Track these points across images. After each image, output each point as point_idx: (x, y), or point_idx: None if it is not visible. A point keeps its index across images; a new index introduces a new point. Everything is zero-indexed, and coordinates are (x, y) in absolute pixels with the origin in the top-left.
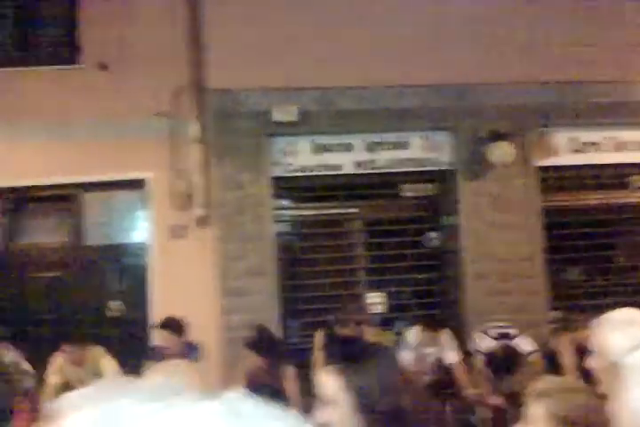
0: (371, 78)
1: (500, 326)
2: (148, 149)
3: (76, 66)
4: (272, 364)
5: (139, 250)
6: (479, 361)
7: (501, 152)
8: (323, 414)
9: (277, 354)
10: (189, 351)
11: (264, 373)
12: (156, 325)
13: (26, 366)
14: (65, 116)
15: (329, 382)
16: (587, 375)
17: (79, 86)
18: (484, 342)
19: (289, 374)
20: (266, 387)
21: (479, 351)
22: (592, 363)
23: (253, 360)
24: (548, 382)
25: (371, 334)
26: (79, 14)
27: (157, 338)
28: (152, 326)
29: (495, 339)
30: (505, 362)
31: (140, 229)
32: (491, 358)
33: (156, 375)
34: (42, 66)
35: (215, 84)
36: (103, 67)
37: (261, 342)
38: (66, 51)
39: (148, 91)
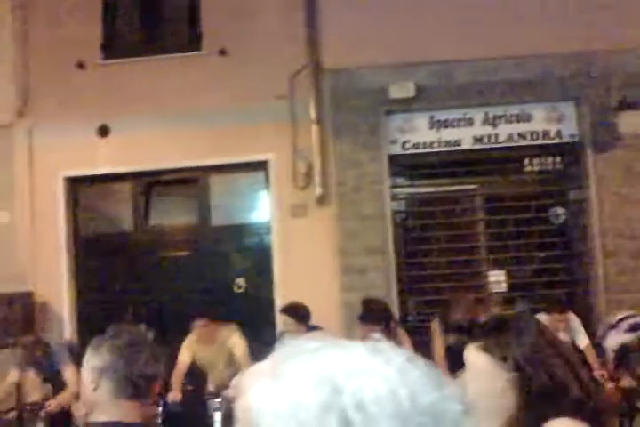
0: (489, 49)
1: (631, 316)
2: (269, 131)
3: (198, 53)
4: (385, 332)
5: (261, 229)
6: (608, 356)
7: (632, 121)
8: (471, 391)
9: (389, 322)
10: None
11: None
12: (280, 310)
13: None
14: (188, 102)
15: (477, 359)
16: None
17: (201, 73)
18: (614, 338)
19: (404, 339)
20: None
21: (609, 348)
22: None
23: (365, 331)
24: None
25: (487, 315)
26: (200, 3)
27: (281, 322)
28: (279, 311)
29: (627, 331)
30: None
31: (263, 209)
32: (623, 351)
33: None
34: (166, 54)
35: (331, 63)
36: (223, 53)
37: (371, 313)
38: (188, 39)
39: (267, 74)
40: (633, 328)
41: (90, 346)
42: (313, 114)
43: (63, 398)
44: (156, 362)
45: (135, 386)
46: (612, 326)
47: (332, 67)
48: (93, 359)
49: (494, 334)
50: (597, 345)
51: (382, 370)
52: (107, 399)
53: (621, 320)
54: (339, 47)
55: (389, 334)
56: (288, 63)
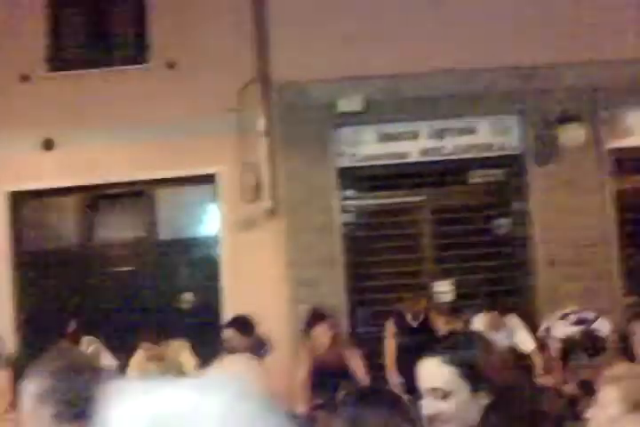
0: (435, 64)
1: (578, 311)
2: (218, 144)
3: (145, 66)
4: (337, 337)
5: (210, 243)
6: (554, 349)
7: (572, 134)
8: (432, 405)
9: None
10: (258, 348)
11: (330, 347)
12: (225, 324)
13: (108, 359)
14: (136, 115)
15: (439, 372)
16: None
17: (149, 85)
18: (561, 329)
19: (351, 351)
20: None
21: (555, 338)
22: None
23: (325, 335)
24: (622, 367)
25: (442, 323)
26: (148, 15)
27: (226, 336)
28: (222, 326)
29: (574, 324)
30: (586, 347)
31: (211, 222)
32: (569, 344)
33: (219, 370)
34: (112, 66)
35: (280, 77)
36: (171, 65)
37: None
38: (135, 51)
39: (216, 87)
40: (579, 322)
41: (29, 372)
42: (262, 127)
43: None
44: (98, 383)
45: (76, 408)
46: (561, 318)
47: (281, 80)
48: (32, 386)
49: (454, 349)
50: (540, 340)
51: (207, 410)
52: (48, 425)
53: (569, 314)
54: (287, 61)
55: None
56: (237, 76)
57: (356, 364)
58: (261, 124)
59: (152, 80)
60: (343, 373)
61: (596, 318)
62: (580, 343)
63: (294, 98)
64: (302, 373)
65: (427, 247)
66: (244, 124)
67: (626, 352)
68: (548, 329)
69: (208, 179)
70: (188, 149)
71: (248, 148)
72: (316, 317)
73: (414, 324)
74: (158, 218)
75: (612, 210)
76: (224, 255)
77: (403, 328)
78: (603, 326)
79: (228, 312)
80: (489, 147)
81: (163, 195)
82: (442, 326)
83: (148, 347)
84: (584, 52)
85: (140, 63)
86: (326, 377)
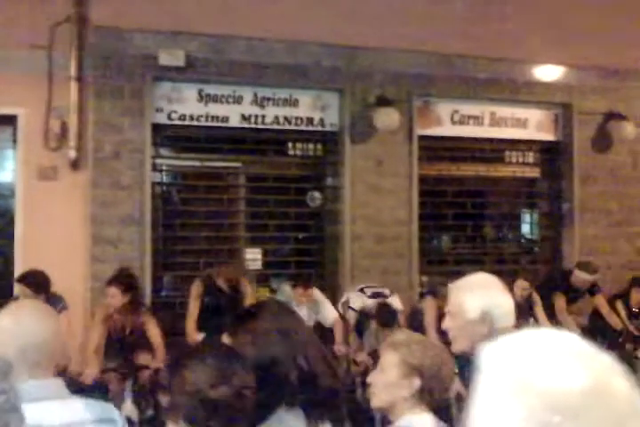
0: (264, 30)
1: (374, 287)
2: (22, 83)
3: None
4: (134, 302)
5: (4, 191)
6: (351, 319)
7: (387, 118)
8: None
9: (138, 294)
10: (51, 305)
11: (125, 311)
12: (17, 279)
13: None
14: None
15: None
16: (445, 337)
17: None
18: (359, 301)
19: (149, 318)
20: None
21: (352, 309)
22: (447, 323)
23: (117, 299)
24: (402, 334)
25: (249, 288)
26: None
27: (18, 292)
28: (15, 280)
29: (370, 297)
30: (379, 318)
31: (7, 168)
32: (365, 315)
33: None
34: None
35: (99, 19)
36: None
37: (125, 280)
38: None
39: (27, 20)
40: (374, 295)
41: None
42: (73, 70)
43: None
44: None
45: None
46: (359, 290)
47: (100, 23)
48: None
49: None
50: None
51: None
52: None
53: (366, 287)
54: (109, 3)
55: (138, 307)
56: (51, 12)
57: (154, 331)
58: (72, 67)
59: None
60: (140, 338)
61: (390, 294)
62: (374, 314)
63: (112, 44)
64: (95, 334)
65: (240, 214)
66: (54, 66)
67: (416, 327)
68: (346, 301)
69: (7, 120)
70: None
71: (56, 92)
72: (119, 276)
73: (225, 287)
74: None
75: (415, 193)
76: (19, 205)
77: (211, 290)
78: (395, 302)
79: (20, 265)
80: (309, 121)
81: None
82: (248, 290)
83: None
84: (406, 41)
85: None
86: (121, 342)
